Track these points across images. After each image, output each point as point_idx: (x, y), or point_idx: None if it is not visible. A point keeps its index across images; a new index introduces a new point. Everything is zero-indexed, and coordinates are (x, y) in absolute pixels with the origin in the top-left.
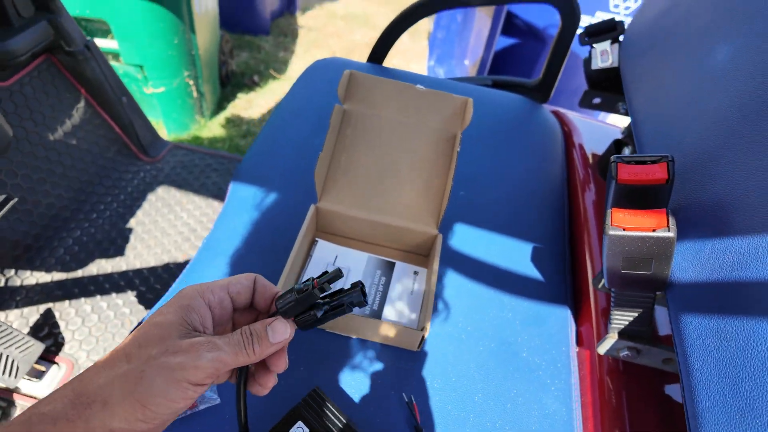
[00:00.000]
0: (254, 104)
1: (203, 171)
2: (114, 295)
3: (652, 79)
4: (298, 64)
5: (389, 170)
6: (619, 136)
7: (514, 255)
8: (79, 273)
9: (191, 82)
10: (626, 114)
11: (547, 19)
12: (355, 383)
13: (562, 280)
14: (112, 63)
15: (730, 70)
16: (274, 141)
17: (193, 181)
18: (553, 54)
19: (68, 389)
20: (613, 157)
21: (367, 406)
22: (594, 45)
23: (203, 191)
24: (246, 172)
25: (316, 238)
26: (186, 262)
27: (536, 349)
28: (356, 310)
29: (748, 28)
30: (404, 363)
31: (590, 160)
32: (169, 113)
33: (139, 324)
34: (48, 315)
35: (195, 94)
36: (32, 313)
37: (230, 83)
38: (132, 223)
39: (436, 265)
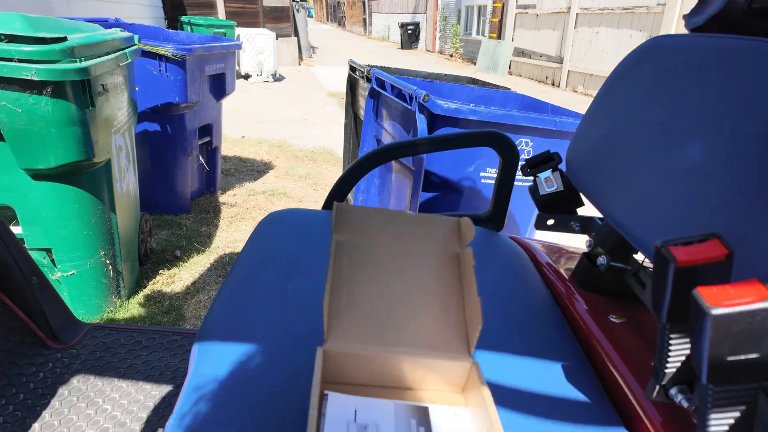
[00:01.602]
0: (177, 278)
1: (131, 350)
2: None
3: (621, 185)
4: (222, 237)
5: (397, 300)
6: (585, 250)
7: (541, 380)
8: None
9: (108, 262)
10: (580, 231)
11: (460, 173)
12: None
13: (602, 401)
14: None
15: (709, 166)
16: (240, 296)
17: (119, 364)
18: (500, 188)
19: None
20: (658, 243)
21: None
22: (538, 174)
23: (132, 374)
24: (210, 339)
25: (326, 392)
26: None
27: None
28: None
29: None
30: None
31: (566, 277)
32: (78, 297)
33: None
34: None
35: (111, 273)
36: None
37: (149, 261)
38: (35, 427)
39: (488, 398)
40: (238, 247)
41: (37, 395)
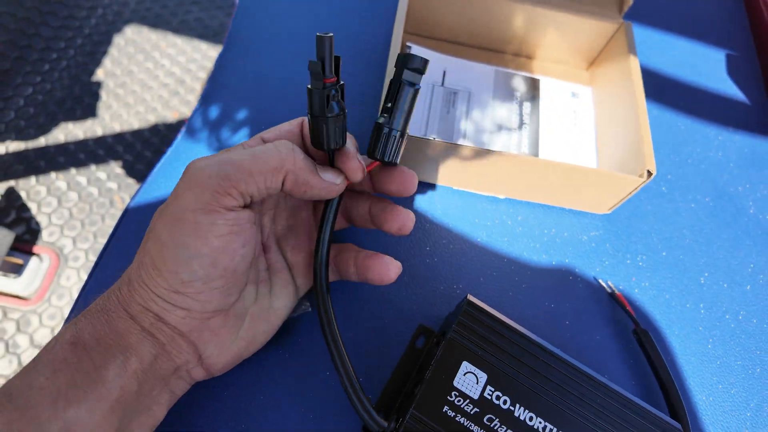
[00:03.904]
0: None
1: (181, 3)
2: (93, 167)
3: None
4: None
5: None
6: None
7: (699, 69)
8: (41, 141)
9: None
10: None
11: None
12: (510, 272)
13: (764, 102)
14: None
15: None
16: None
17: (170, 18)
18: None
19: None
20: None
21: (541, 307)
22: None
23: (185, 30)
24: None
25: (408, 43)
26: (180, 123)
27: (766, 202)
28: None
29: None
30: (584, 233)
31: None
32: None
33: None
34: (11, 196)
35: None
36: None
37: None
38: (99, 74)
39: (636, 70)
40: None
41: (94, 42)
